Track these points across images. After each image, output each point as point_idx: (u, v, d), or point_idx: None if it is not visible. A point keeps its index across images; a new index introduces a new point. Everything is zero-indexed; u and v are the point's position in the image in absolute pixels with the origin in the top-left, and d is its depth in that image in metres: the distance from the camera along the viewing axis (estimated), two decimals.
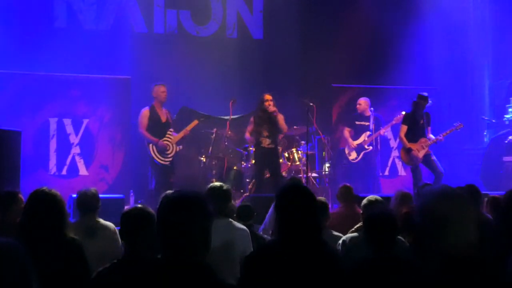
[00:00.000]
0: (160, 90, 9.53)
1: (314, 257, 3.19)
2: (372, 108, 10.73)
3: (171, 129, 9.64)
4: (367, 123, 10.76)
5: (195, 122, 9.83)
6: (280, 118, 9.53)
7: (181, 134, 9.70)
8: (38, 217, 3.73)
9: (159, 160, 9.50)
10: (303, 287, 3.14)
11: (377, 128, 10.68)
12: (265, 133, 9.63)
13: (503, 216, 4.13)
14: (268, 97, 9.61)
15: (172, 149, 9.58)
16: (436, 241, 2.34)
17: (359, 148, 10.73)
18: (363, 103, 10.82)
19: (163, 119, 9.60)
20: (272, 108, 9.50)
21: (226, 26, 12.08)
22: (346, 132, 10.92)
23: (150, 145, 9.50)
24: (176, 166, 9.77)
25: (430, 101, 9.96)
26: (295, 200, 3.26)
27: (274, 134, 9.67)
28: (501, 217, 4.20)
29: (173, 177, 9.64)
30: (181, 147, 9.74)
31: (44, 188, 3.92)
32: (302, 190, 3.36)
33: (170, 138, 9.58)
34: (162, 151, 9.49)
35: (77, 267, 3.64)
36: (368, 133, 10.72)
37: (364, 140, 10.70)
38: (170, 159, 9.59)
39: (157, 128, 9.53)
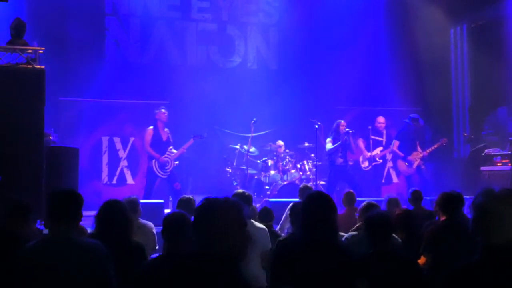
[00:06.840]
0: (161, 112, 9.26)
1: (330, 249, 3.32)
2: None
3: (170, 147, 9.38)
4: (381, 138, 10.73)
5: (191, 141, 9.41)
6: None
7: (179, 152, 9.37)
8: (110, 224, 3.75)
9: (158, 174, 9.27)
10: (320, 271, 3.25)
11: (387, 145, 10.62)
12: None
13: None
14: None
15: (171, 165, 9.31)
16: (484, 233, 2.32)
17: (371, 159, 10.67)
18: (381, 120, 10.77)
19: (164, 138, 9.32)
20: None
21: (248, 59, 12.16)
22: (361, 143, 10.74)
23: (153, 160, 9.22)
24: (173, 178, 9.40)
25: (421, 122, 9.89)
26: (320, 205, 3.40)
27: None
28: None
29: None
30: (177, 162, 9.39)
31: (114, 199, 3.91)
32: (326, 198, 3.48)
33: (170, 155, 9.33)
34: (162, 166, 9.27)
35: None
36: (381, 148, 10.69)
37: (377, 154, 10.65)
38: (168, 173, 9.31)
39: (159, 145, 9.26)
